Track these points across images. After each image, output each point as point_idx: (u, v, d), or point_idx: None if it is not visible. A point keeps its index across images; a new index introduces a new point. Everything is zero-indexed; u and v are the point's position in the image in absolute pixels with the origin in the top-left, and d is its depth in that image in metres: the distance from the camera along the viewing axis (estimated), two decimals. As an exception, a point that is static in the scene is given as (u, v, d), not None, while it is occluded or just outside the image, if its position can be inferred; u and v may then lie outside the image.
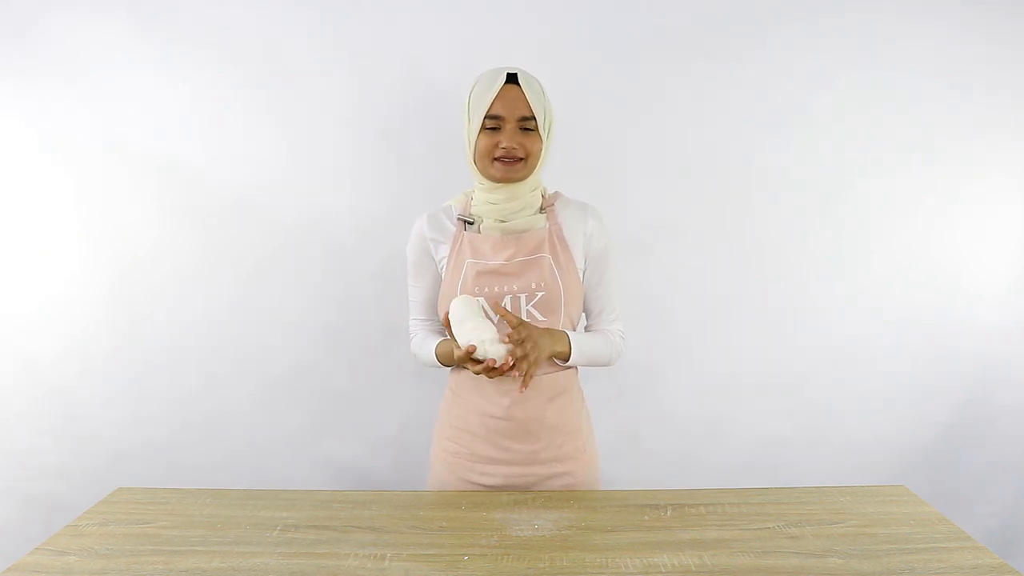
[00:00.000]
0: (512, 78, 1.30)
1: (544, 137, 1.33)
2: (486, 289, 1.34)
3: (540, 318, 1.35)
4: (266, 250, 1.92)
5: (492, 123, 1.30)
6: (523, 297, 1.33)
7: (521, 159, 1.32)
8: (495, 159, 1.32)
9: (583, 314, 1.47)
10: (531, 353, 1.24)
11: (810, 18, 1.84)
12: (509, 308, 1.33)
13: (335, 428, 2.05)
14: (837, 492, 1.30)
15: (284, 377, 2.00)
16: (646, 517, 1.21)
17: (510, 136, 1.30)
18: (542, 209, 1.41)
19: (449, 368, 1.46)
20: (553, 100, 1.37)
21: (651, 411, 2.06)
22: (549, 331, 1.32)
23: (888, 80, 1.88)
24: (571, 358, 1.36)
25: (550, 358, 1.35)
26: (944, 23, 1.86)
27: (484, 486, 1.40)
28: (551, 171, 1.43)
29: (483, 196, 1.38)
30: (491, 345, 1.22)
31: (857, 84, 1.88)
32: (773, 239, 1.97)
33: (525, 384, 1.24)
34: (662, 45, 1.85)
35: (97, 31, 1.79)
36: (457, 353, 1.24)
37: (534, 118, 1.30)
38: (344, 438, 2.05)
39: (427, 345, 1.44)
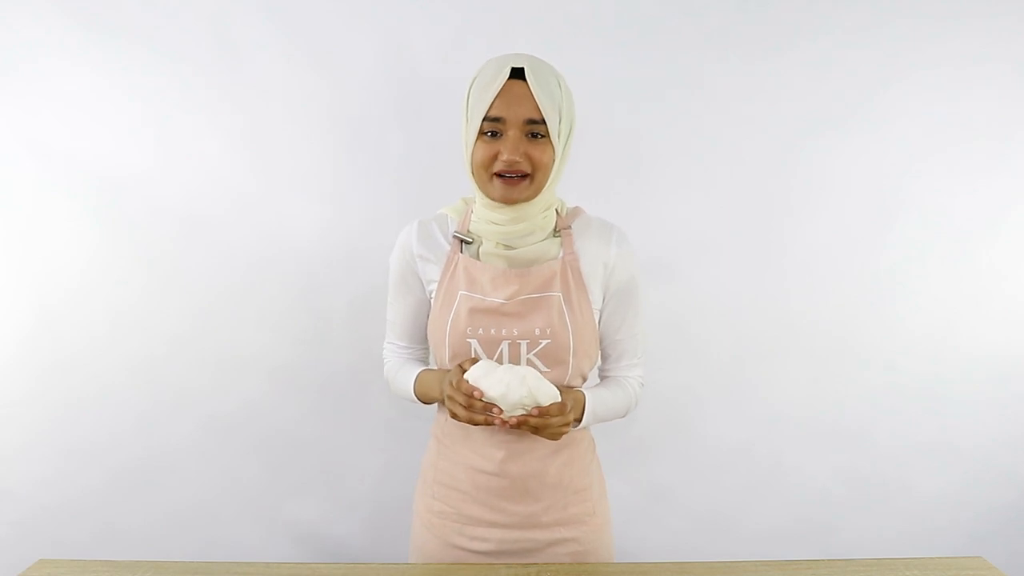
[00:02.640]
0: (518, 72, 1.23)
1: (559, 146, 1.26)
2: (480, 331, 1.28)
3: (543, 368, 1.29)
4: (217, 276, 1.90)
5: (491, 127, 1.21)
6: (524, 344, 1.28)
7: (526, 175, 1.24)
8: (495, 174, 1.24)
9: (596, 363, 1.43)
10: (557, 427, 1.23)
11: (873, 3, 1.82)
12: (506, 356, 1.29)
13: (297, 486, 2.03)
14: (903, 565, 1.24)
15: (238, 426, 1.97)
16: (672, 597, 1.17)
17: (513, 145, 1.21)
18: (556, 230, 1.35)
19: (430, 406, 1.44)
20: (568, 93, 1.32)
21: (677, 464, 2.04)
22: (572, 397, 1.29)
23: (965, 74, 1.85)
24: (581, 423, 1.32)
25: None
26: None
27: (475, 552, 1.36)
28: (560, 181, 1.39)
29: (485, 213, 1.32)
30: (534, 380, 1.19)
31: (931, 79, 1.86)
32: (825, 261, 1.94)
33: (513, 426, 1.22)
34: (693, 32, 1.84)
35: (20, 20, 1.77)
36: (450, 381, 1.22)
37: (544, 122, 1.22)
38: (308, 497, 2.03)
39: (404, 374, 1.40)
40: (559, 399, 1.20)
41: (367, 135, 1.86)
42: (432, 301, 1.35)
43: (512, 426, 1.19)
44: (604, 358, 1.42)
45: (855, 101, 1.86)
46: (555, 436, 1.24)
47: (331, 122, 1.85)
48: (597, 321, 1.34)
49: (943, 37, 1.83)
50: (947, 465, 2.02)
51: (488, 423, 1.19)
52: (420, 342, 1.44)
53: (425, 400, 1.38)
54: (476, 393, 1.17)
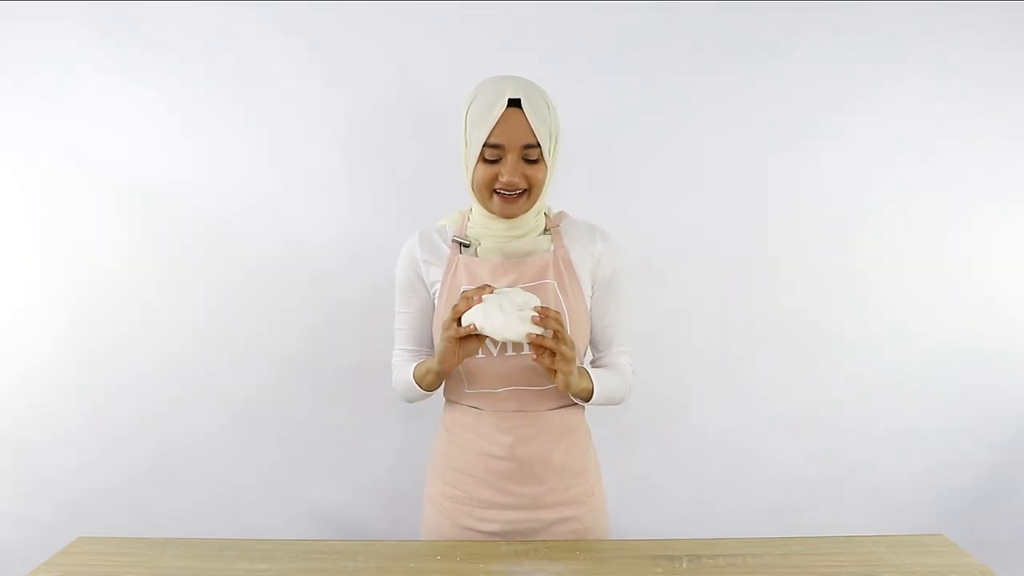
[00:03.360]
0: (514, 101, 1.29)
1: (550, 162, 1.33)
2: None
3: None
4: (241, 274, 1.94)
5: (492, 154, 1.28)
6: None
7: (524, 191, 1.32)
8: (494, 191, 1.31)
9: (587, 348, 1.47)
10: (567, 355, 1.22)
11: (840, 23, 1.87)
12: (509, 345, 1.33)
13: (317, 470, 2.06)
14: (870, 542, 1.29)
15: (261, 414, 2.02)
16: (659, 569, 1.20)
17: (512, 168, 1.28)
18: (546, 230, 1.42)
19: (433, 394, 1.47)
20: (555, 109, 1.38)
21: (664, 452, 2.08)
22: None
23: (930, 89, 1.90)
24: (593, 397, 1.35)
25: (573, 393, 1.34)
26: (991, 27, 1.88)
27: (483, 533, 1.40)
28: (554, 188, 1.43)
29: (482, 220, 1.39)
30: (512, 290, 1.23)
31: (895, 93, 1.91)
32: (801, 263, 1.99)
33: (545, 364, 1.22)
34: (675, 50, 1.88)
35: (60, 37, 1.83)
36: (445, 319, 1.24)
37: (539, 146, 1.29)
38: (327, 481, 2.07)
39: (405, 371, 1.43)
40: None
41: (380, 145, 1.91)
42: (436, 300, 1.41)
43: (535, 355, 1.21)
44: (594, 347, 1.46)
45: (829, 111, 1.92)
46: (567, 368, 1.23)
47: (347, 133, 1.90)
48: (589, 308, 1.40)
49: (909, 54, 1.89)
50: (912, 451, 2.06)
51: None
52: (428, 345, 1.48)
53: (425, 383, 1.39)
54: (471, 328, 1.20)
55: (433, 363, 1.33)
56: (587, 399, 1.37)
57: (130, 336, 1.95)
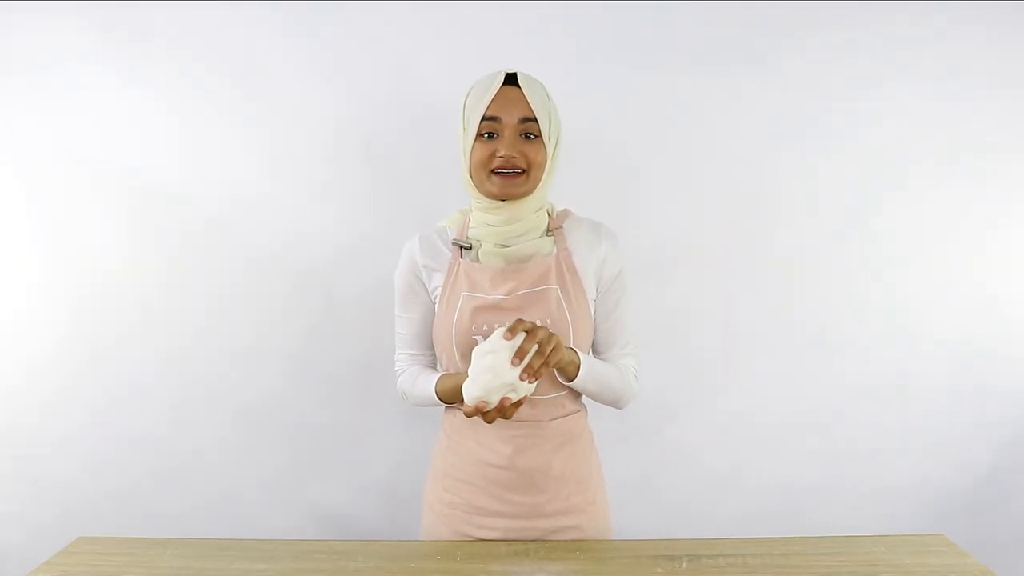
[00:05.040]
0: (511, 79, 1.30)
1: (549, 148, 1.31)
2: (484, 327, 1.32)
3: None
4: (242, 274, 1.94)
5: (489, 127, 1.28)
6: None
7: (522, 171, 1.29)
8: (492, 171, 1.29)
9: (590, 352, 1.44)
10: (546, 344, 1.17)
11: (843, 23, 1.86)
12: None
13: (317, 471, 2.06)
14: (870, 542, 1.30)
15: (260, 415, 2.01)
16: (659, 569, 1.21)
17: (509, 143, 1.27)
18: (549, 231, 1.39)
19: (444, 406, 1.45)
20: (558, 109, 1.38)
21: (664, 453, 2.07)
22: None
23: (929, 88, 1.90)
24: (580, 373, 1.29)
25: (559, 367, 1.27)
26: (990, 26, 1.88)
27: (483, 541, 1.38)
28: (554, 186, 1.44)
29: (481, 216, 1.37)
30: (486, 346, 1.17)
31: (895, 93, 1.90)
32: (800, 262, 1.98)
33: (535, 376, 1.16)
34: (679, 51, 1.88)
35: (59, 37, 1.83)
36: (467, 410, 1.19)
37: (536, 121, 1.28)
38: (327, 482, 2.06)
39: (423, 382, 1.40)
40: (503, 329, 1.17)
41: (380, 145, 1.90)
42: (436, 306, 1.39)
43: (535, 377, 1.16)
44: (596, 349, 1.43)
45: (830, 111, 1.91)
46: (559, 349, 1.19)
47: (347, 133, 1.90)
48: (592, 312, 1.37)
49: (909, 54, 1.88)
50: (912, 451, 2.05)
51: (503, 408, 1.17)
52: (431, 348, 1.46)
53: (451, 400, 1.36)
54: (481, 405, 1.17)
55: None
56: (573, 376, 1.30)
57: (130, 336, 1.95)
